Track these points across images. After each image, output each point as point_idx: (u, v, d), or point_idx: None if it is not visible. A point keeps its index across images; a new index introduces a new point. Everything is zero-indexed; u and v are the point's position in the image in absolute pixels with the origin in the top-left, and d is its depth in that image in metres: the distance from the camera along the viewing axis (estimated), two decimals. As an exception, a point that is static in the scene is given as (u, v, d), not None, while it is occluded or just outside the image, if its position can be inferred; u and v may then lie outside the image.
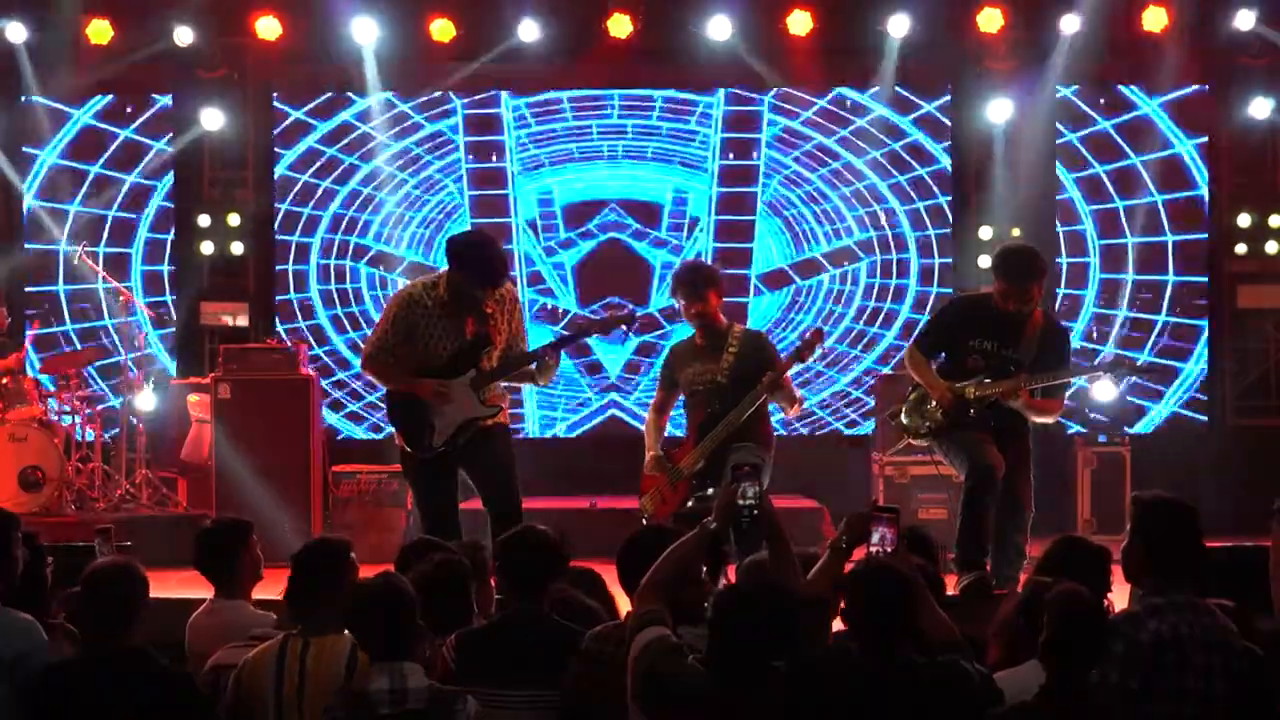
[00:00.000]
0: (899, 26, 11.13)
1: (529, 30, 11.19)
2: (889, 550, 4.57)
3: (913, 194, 11.78)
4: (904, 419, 7.56)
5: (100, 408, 10.94)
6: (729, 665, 4.16)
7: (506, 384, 7.31)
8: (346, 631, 4.60)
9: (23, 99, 11.61)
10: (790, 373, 7.30)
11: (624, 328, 7.22)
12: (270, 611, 5.40)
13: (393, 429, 7.29)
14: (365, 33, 11.21)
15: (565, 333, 7.37)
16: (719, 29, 11.16)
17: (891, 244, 11.81)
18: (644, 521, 7.25)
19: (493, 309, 7.06)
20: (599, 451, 11.25)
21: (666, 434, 7.65)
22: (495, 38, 11.37)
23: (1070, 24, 11.11)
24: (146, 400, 10.91)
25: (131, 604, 4.64)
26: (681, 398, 7.58)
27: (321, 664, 4.57)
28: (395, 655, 4.35)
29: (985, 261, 10.99)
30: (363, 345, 7.29)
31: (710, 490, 7.14)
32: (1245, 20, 11.08)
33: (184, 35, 11.14)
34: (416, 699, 4.27)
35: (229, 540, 5.42)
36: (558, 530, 5.20)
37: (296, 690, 4.56)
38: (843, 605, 4.34)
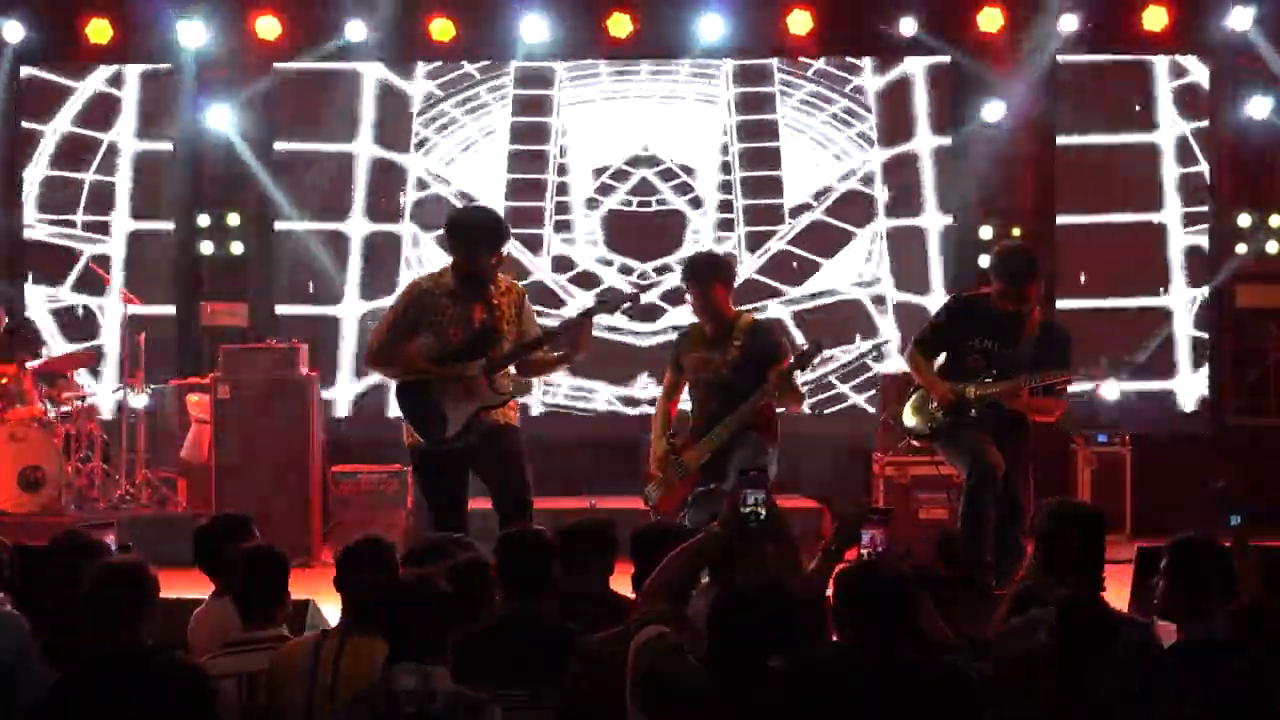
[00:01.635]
0: (907, 27, 11.17)
1: (533, 30, 11.22)
2: (879, 552, 4.59)
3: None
4: (905, 419, 7.57)
5: (96, 406, 10.95)
6: (727, 665, 4.15)
7: (531, 375, 7.30)
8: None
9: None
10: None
11: (629, 305, 7.21)
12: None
13: (404, 422, 7.26)
14: (358, 32, 11.27)
15: (571, 316, 7.33)
16: (712, 28, 11.23)
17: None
18: (648, 507, 7.27)
19: (499, 300, 7.08)
20: (599, 451, 11.25)
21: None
22: (494, 38, 11.40)
23: (1069, 23, 11.14)
24: (140, 400, 10.90)
25: (137, 603, 4.62)
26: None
27: (357, 666, 4.51)
28: (426, 656, 4.24)
29: (985, 261, 11.01)
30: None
31: (714, 485, 7.14)
32: (1243, 19, 11.07)
33: (186, 35, 11.14)
34: (442, 702, 4.15)
35: (227, 537, 5.37)
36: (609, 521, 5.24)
37: (328, 692, 4.52)
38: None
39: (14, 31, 11.24)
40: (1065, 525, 4.86)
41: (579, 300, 11.53)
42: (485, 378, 6.99)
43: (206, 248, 11.65)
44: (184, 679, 4.53)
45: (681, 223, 11.85)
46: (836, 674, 4.20)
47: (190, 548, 5.59)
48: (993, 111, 11.36)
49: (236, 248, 11.66)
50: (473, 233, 7.06)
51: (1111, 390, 10.77)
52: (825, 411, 11.69)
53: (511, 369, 7.10)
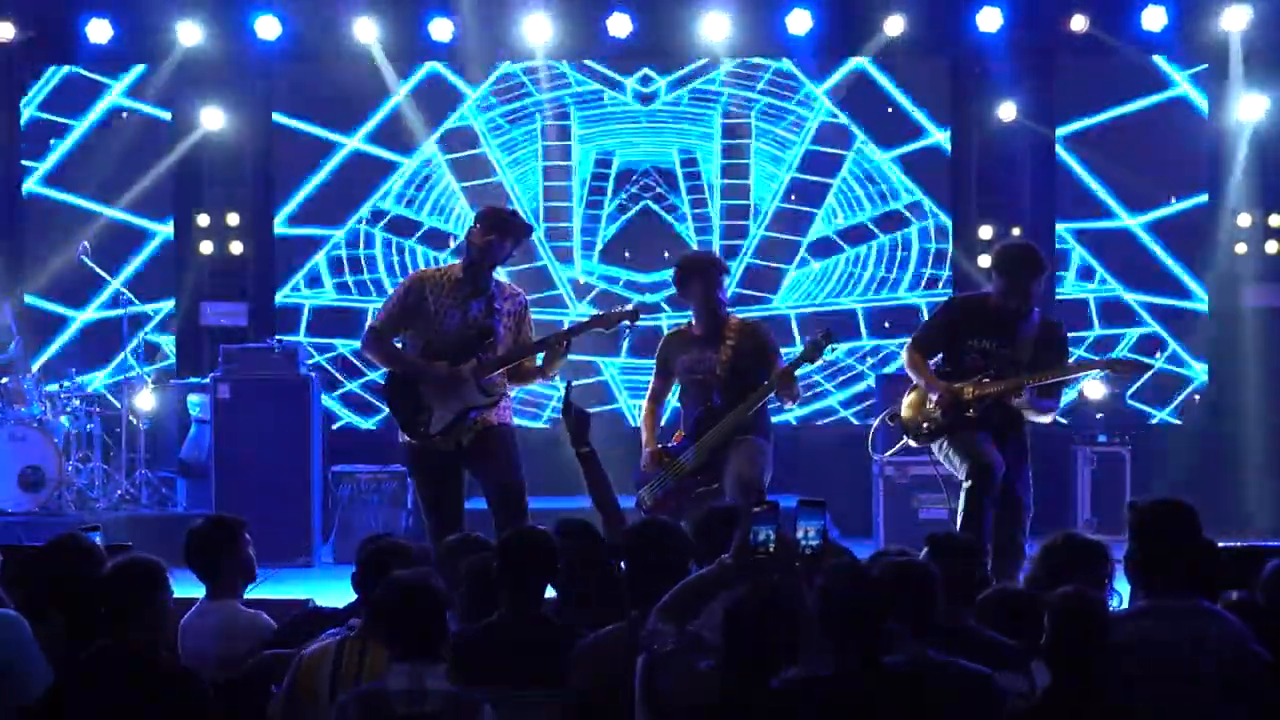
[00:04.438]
0: (895, 26, 11.18)
1: (531, 29, 11.24)
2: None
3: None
4: (903, 419, 7.56)
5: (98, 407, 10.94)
6: (739, 674, 4.18)
7: (518, 384, 7.30)
8: None
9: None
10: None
11: (627, 322, 7.22)
12: (260, 611, 5.40)
13: (392, 416, 7.26)
14: (366, 32, 11.27)
15: (570, 324, 7.33)
16: (715, 28, 11.25)
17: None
18: (642, 512, 7.25)
19: (502, 305, 7.09)
20: (598, 451, 11.22)
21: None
22: (497, 38, 11.42)
23: (1078, 23, 11.15)
24: (146, 400, 10.92)
25: (150, 602, 4.64)
26: (677, 386, 7.53)
27: (379, 668, 4.51)
28: (420, 655, 4.28)
29: (985, 261, 11.02)
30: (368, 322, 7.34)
31: (713, 485, 7.13)
32: (1239, 19, 11.08)
33: (185, 35, 11.16)
34: (434, 702, 4.19)
35: (216, 539, 5.38)
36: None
37: None
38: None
39: (6, 32, 11.23)
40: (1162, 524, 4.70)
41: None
42: (474, 378, 6.99)
43: (206, 248, 11.66)
44: (179, 686, 4.55)
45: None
46: (842, 684, 4.21)
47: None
48: (1002, 110, 11.38)
49: (236, 248, 11.67)
50: (505, 222, 7.12)
51: (1096, 390, 10.81)
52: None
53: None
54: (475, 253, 7.09)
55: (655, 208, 11.79)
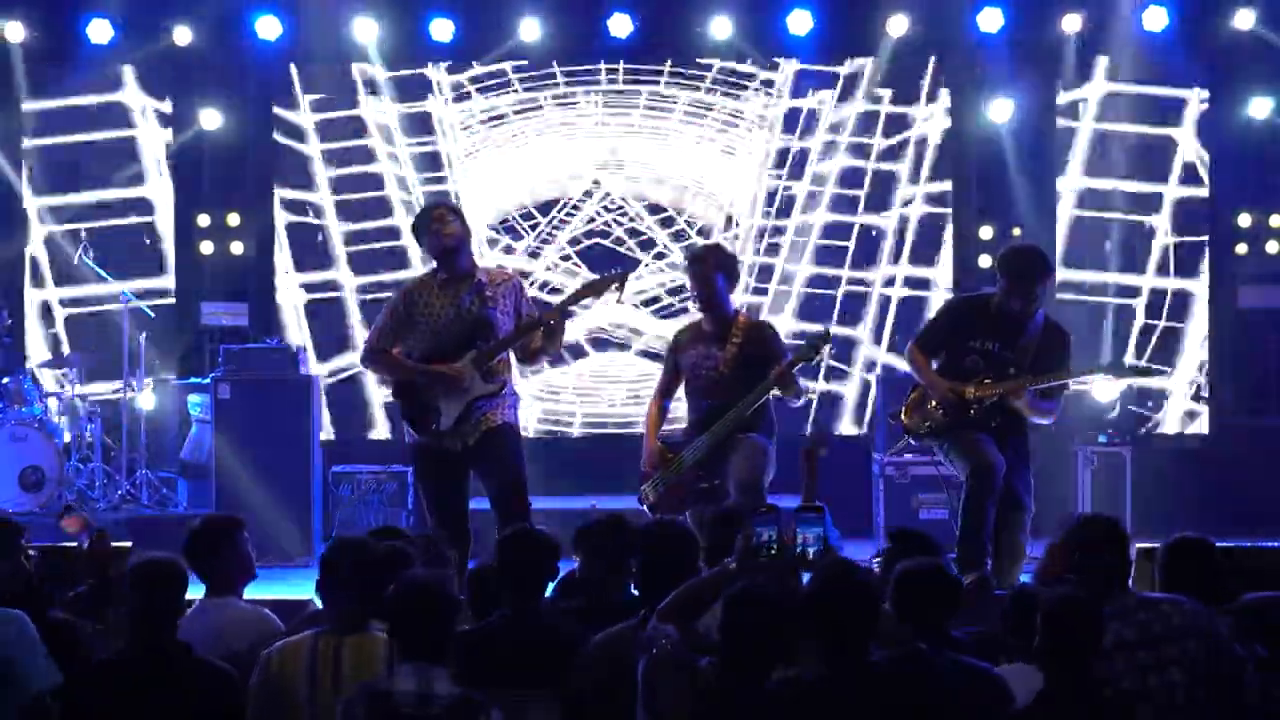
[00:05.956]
0: (898, 26, 11.18)
1: (530, 29, 11.25)
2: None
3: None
4: (904, 419, 7.56)
5: (98, 408, 10.94)
6: (736, 674, 4.18)
7: (530, 363, 7.34)
8: (380, 631, 4.58)
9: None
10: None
11: (615, 287, 7.21)
12: (262, 608, 5.41)
13: (403, 422, 7.29)
14: (366, 32, 11.27)
15: (561, 299, 7.32)
16: (720, 28, 11.25)
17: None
18: (644, 506, 7.26)
19: (493, 292, 7.09)
20: (599, 451, 11.25)
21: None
22: (496, 37, 11.42)
23: (1072, 23, 11.15)
24: (146, 400, 10.92)
25: (178, 599, 4.67)
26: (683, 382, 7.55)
27: (360, 664, 4.54)
28: (429, 657, 4.29)
29: (986, 261, 11.03)
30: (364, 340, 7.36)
31: (715, 482, 7.13)
32: (1245, 20, 11.10)
33: (184, 35, 11.17)
34: (441, 704, 4.21)
35: (215, 538, 5.39)
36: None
37: (332, 690, 4.55)
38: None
39: (14, 32, 11.24)
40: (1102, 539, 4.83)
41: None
42: (475, 368, 7.00)
43: (206, 248, 11.66)
44: (219, 679, 4.59)
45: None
46: (835, 685, 4.21)
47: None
48: (996, 111, 11.37)
49: (236, 248, 11.67)
50: (414, 228, 7.20)
51: (1106, 391, 10.82)
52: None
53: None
54: (435, 257, 7.14)
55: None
